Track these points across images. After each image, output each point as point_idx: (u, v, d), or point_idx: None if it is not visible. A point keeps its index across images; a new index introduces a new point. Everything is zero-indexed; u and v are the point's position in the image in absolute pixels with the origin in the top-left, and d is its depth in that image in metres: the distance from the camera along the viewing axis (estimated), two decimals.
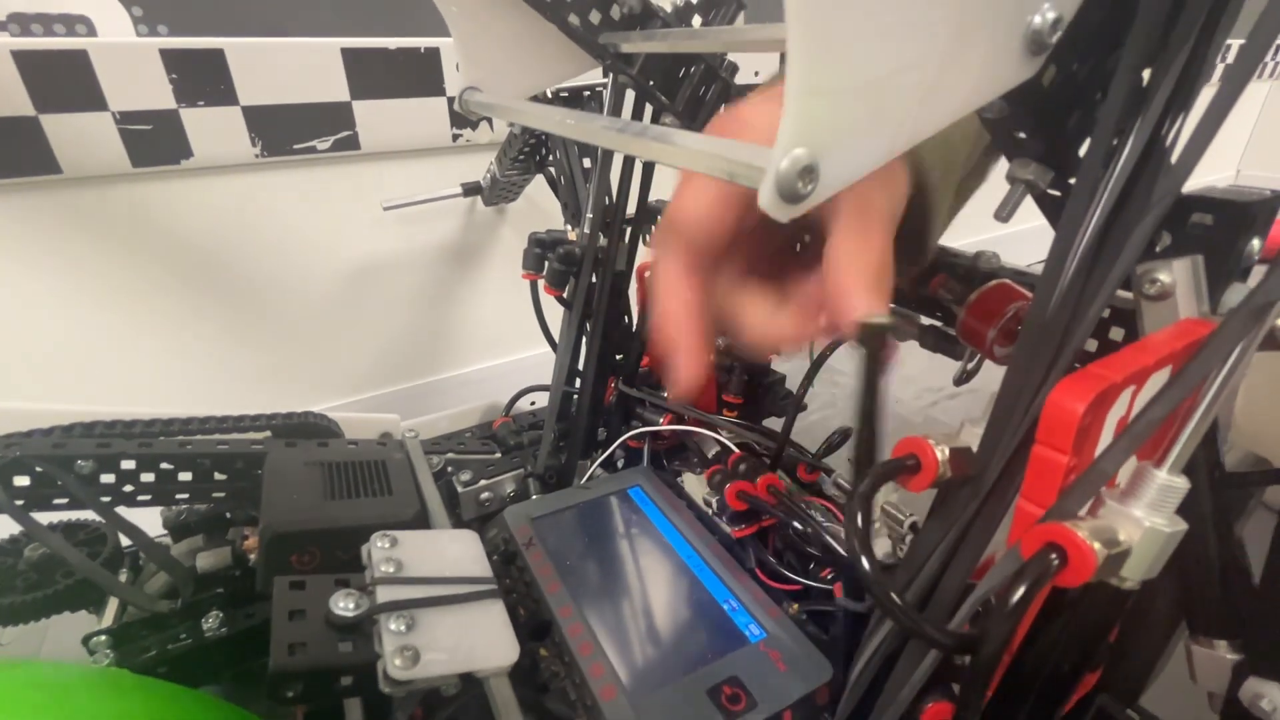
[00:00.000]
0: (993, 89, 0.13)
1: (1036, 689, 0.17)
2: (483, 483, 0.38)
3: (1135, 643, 0.22)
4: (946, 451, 0.15)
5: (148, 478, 0.29)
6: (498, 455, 0.40)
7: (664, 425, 0.37)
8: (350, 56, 0.46)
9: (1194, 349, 0.17)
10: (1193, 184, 0.17)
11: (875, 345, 0.16)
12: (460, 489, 0.37)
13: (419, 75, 0.49)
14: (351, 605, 0.21)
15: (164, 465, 0.29)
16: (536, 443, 0.41)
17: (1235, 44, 0.14)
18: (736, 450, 0.33)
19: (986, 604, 0.16)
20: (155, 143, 0.43)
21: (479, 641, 0.21)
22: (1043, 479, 0.14)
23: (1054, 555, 0.12)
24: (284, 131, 0.45)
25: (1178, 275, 0.19)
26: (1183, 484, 0.13)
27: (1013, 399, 0.15)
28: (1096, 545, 0.12)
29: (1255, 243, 0.19)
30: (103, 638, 0.27)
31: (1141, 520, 0.13)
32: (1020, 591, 0.13)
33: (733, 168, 0.12)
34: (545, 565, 0.30)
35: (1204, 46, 0.14)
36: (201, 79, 0.43)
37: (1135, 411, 0.16)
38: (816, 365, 0.32)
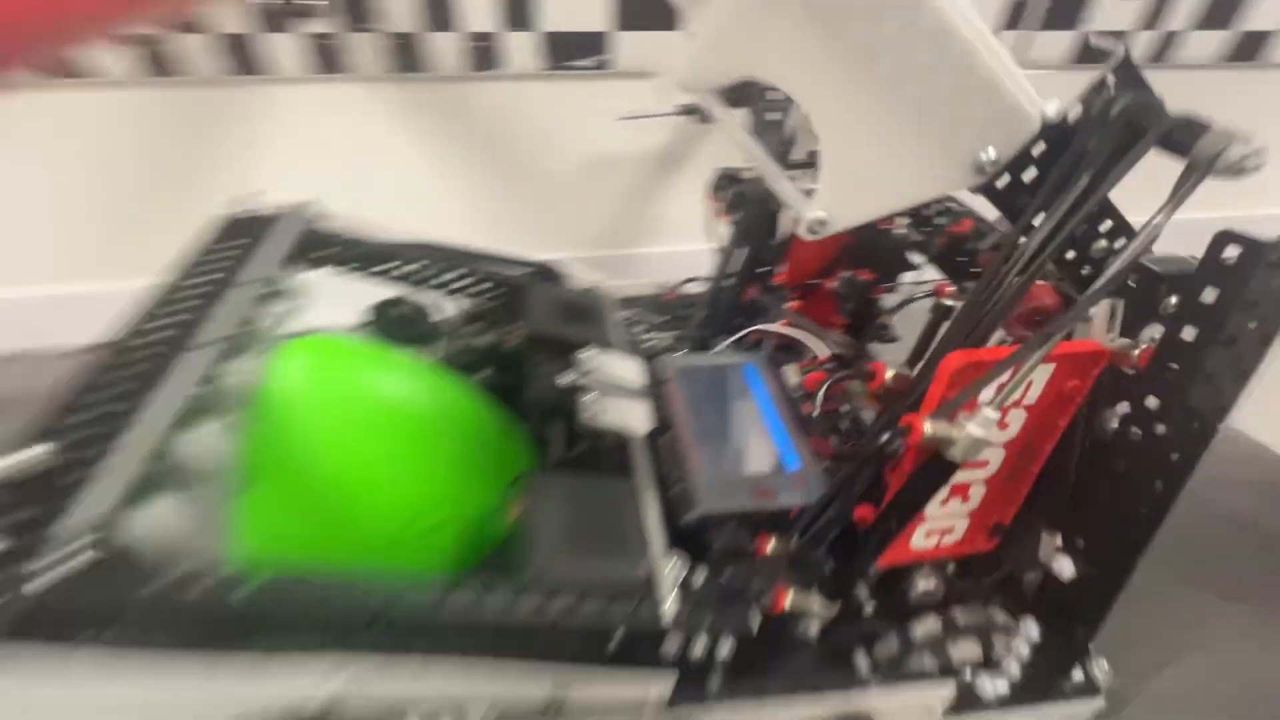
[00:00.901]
0: (948, 190, 0.24)
1: (912, 506, 0.31)
2: (649, 334, 0.55)
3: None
4: (893, 373, 0.28)
5: (462, 282, 0.50)
6: (662, 319, 0.57)
7: (780, 327, 0.51)
8: None
9: (1076, 356, 0.29)
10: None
11: None
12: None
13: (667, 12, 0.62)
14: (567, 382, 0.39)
15: (459, 273, 0.50)
16: (690, 317, 0.57)
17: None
18: (824, 356, 0.47)
19: None
20: (485, 56, 0.61)
21: (634, 417, 0.39)
22: (929, 399, 0.27)
23: (908, 426, 0.26)
24: (561, 53, 0.61)
25: (1099, 311, 0.29)
26: (995, 415, 0.26)
27: (937, 356, 0.28)
28: (929, 429, 0.26)
29: (1172, 299, 0.28)
30: None
31: (967, 427, 0.26)
32: (888, 435, 0.26)
33: (796, 213, 0.25)
34: (677, 394, 0.47)
35: (1082, 202, 0.24)
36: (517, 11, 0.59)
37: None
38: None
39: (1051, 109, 0.26)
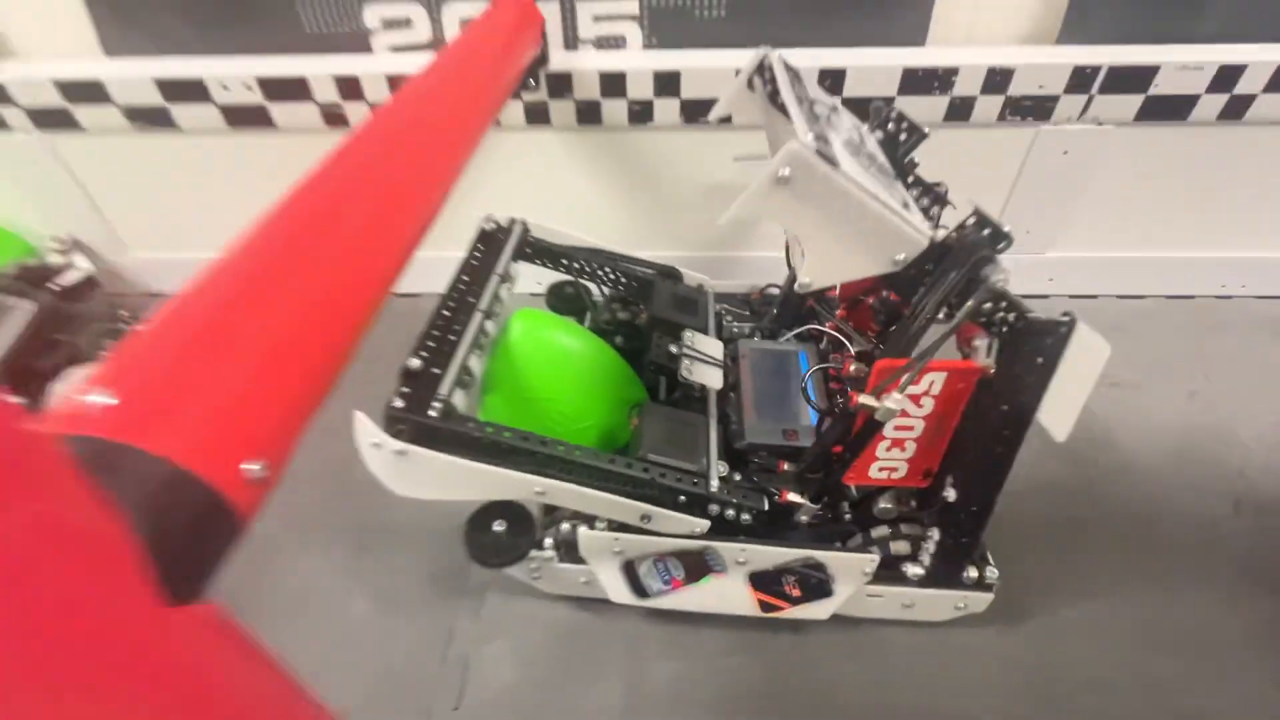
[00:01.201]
0: (878, 272, 0.45)
1: (859, 446, 0.51)
2: (735, 323, 0.77)
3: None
4: (854, 366, 0.49)
5: (606, 273, 0.74)
6: (746, 313, 0.79)
7: (828, 328, 0.71)
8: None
9: (961, 370, 0.48)
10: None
11: None
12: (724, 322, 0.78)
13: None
14: (673, 350, 0.62)
15: (609, 268, 0.74)
16: (766, 313, 0.78)
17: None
18: (853, 351, 0.67)
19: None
20: (644, 115, 0.84)
21: (712, 378, 0.62)
22: (869, 385, 0.48)
23: (842, 399, 0.47)
24: (696, 112, 0.82)
25: (979, 343, 0.48)
26: (900, 397, 0.46)
27: (876, 361, 0.48)
28: (861, 400, 0.46)
29: (1047, 340, 0.47)
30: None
31: (886, 402, 0.46)
32: (842, 401, 0.48)
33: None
34: (746, 366, 0.69)
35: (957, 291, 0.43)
36: (666, 86, 0.81)
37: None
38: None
39: (937, 236, 0.45)
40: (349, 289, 0.33)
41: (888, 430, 0.51)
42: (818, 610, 0.58)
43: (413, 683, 0.58)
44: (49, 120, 0.89)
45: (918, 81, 0.80)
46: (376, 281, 0.36)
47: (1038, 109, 0.82)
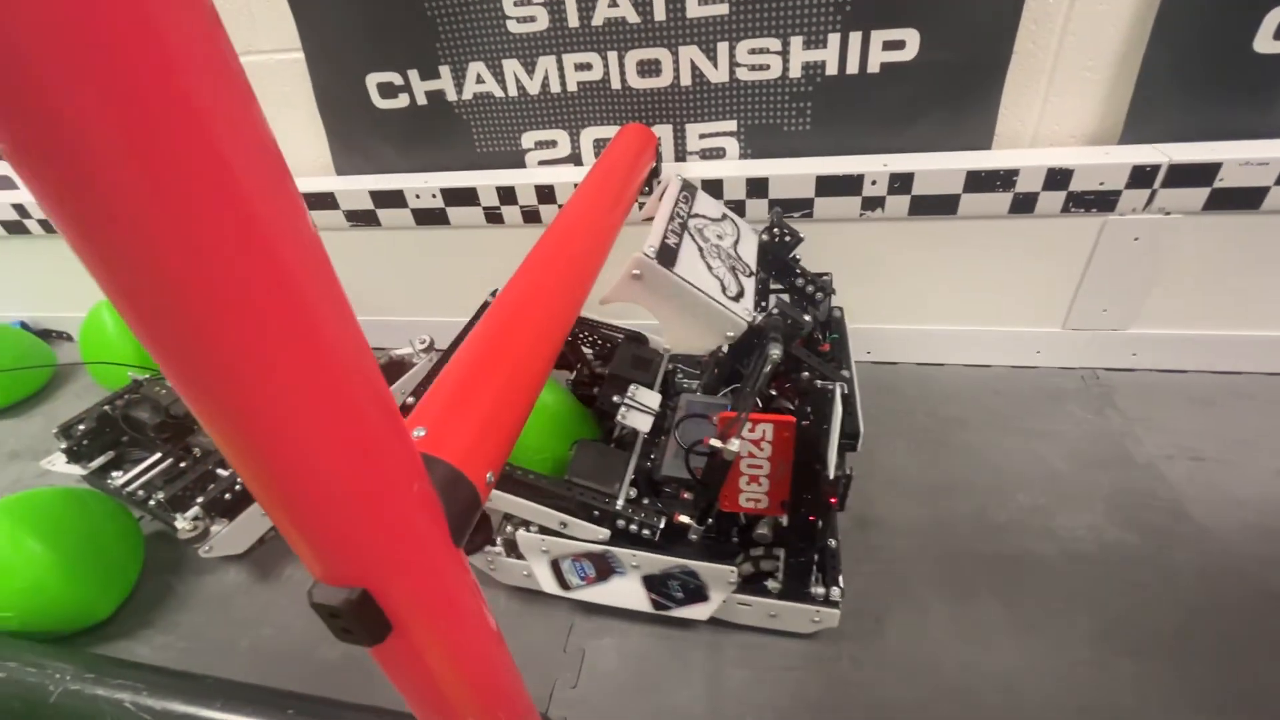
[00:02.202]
0: (715, 344, 0.60)
1: (718, 481, 0.63)
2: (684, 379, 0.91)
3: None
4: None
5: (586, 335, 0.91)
6: (697, 372, 0.91)
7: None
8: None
9: (782, 422, 0.60)
10: None
11: None
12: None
13: (848, 184, 0.96)
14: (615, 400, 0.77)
15: (588, 331, 0.91)
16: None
17: None
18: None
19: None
20: (738, 211, 1.01)
21: (642, 424, 0.76)
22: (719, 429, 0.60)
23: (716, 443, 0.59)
24: (785, 208, 0.99)
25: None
26: (737, 442, 0.58)
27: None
28: (713, 442, 0.59)
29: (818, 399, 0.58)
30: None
31: (733, 445, 0.58)
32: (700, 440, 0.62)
33: None
34: (678, 415, 0.80)
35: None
36: (756, 189, 0.98)
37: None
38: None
39: (757, 319, 0.59)
40: (540, 354, 0.51)
41: (745, 468, 0.62)
42: (698, 611, 0.71)
43: (542, 664, 0.74)
44: None
45: (981, 181, 0.92)
46: (555, 345, 0.54)
47: (1100, 202, 0.91)
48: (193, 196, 0.19)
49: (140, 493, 0.88)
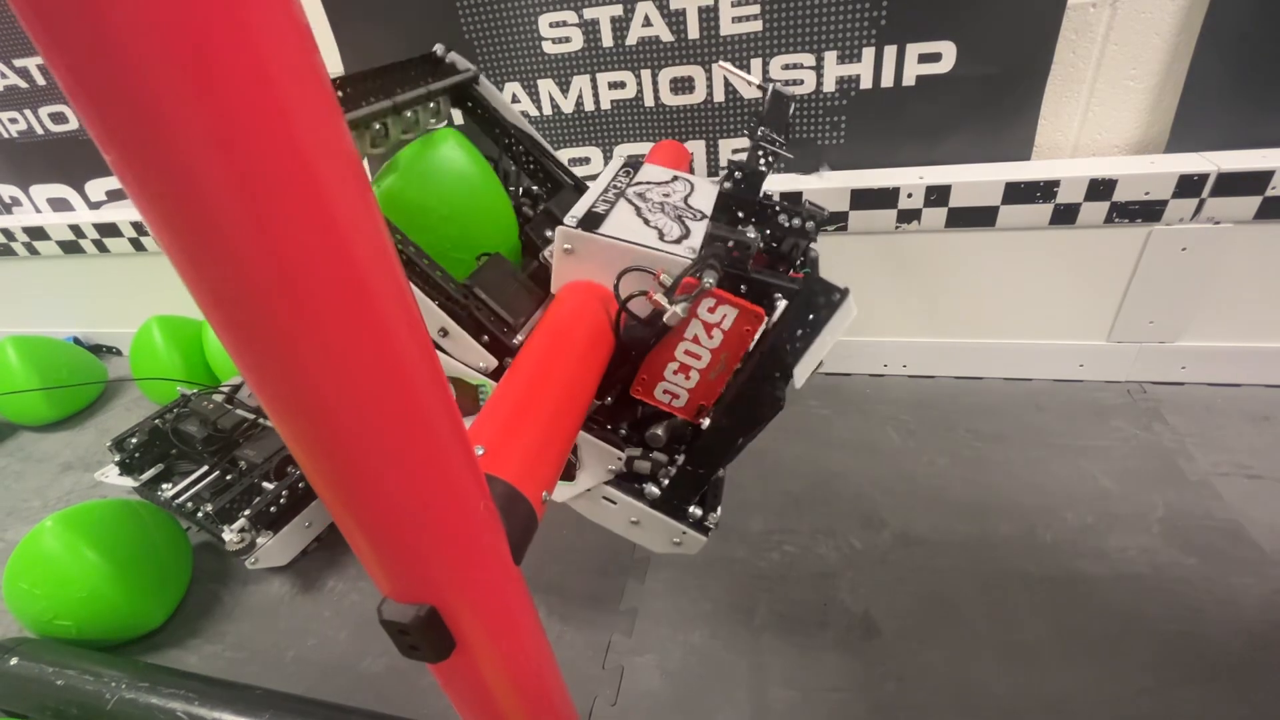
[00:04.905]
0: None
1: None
2: None
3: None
4: (663, 276, 0.61)
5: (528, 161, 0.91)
6: None
7: None
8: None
9: (748, 311, 0.58)
10: None
11: None
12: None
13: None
14: (548, 235, 0.76)
15: (533, 158, 0.90)
16: None
17: None
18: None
19: None
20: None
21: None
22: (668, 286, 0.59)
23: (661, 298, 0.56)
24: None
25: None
26: (681, 310, 0.55)
27: None
28: (657, 296, 0.54)
29: (820, 300, 0.55)
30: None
31: (677, 308, 0.55)
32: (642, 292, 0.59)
33: None
34: None
35: None
36: (793, 199, 0.98)
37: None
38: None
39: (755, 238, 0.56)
40: (586, 376, 0.51)
41: (680, 353, 0.56)
42: (556, 492, 0.60)
43: (581, 681, 0.73)
44: None
45: (1020, 192, 0.90)
46: (601, 363, 0.54)
47: (1145, 212, 0.89)
48: (289, 228, 0.20)
49: (189, 504, 0.90)
